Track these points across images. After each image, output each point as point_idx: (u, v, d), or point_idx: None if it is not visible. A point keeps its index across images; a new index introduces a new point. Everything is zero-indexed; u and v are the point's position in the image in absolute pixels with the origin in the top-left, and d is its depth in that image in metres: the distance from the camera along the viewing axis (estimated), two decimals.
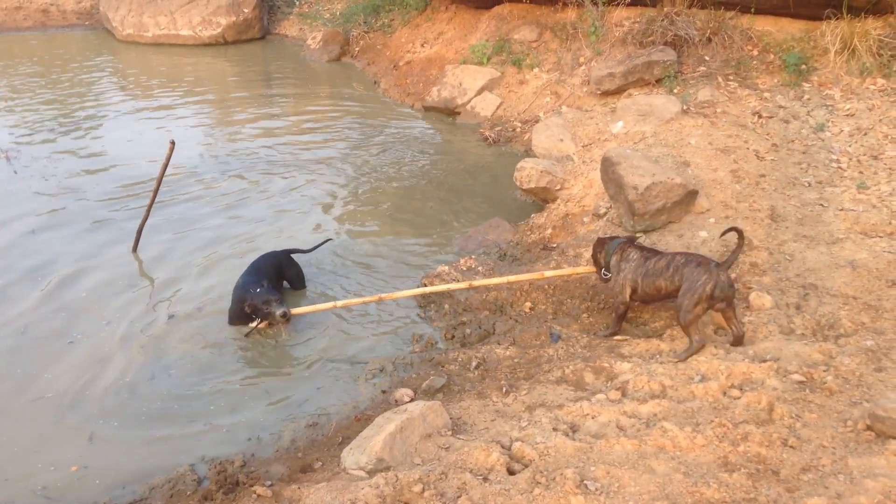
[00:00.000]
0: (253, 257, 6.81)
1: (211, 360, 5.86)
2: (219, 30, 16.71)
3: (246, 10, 16.83)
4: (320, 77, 14.38)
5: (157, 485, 4.52)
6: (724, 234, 5.83)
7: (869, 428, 4.05)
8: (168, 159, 7.08)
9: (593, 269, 5.99)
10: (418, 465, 4.18)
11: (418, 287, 6.67)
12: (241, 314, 6.14)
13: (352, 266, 7.24)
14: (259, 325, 6.10)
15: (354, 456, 4.31)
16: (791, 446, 4.03)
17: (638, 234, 6.71)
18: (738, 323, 5.21)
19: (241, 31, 16.93)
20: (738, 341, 5.21)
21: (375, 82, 13.69)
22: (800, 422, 4.25)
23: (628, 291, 5.55)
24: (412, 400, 5.09)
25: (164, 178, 7.25)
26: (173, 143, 7.03)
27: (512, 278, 6.04)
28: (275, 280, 6.47)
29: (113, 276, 6.99)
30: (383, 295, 6.17)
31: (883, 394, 4.38)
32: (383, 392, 5.39)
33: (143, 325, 6.27)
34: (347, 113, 12.13)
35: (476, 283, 6.05)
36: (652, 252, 5.56)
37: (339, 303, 6.15)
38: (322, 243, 7.14)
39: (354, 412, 5.19)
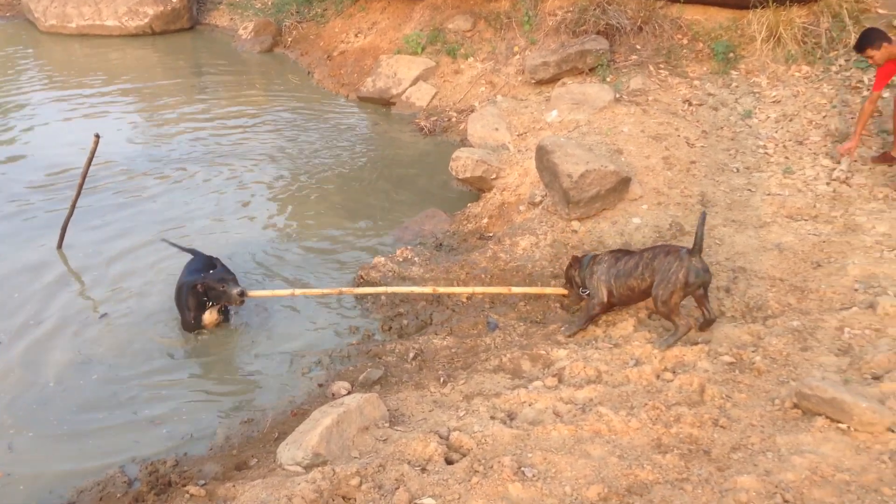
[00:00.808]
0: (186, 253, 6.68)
1: (144, 358, 5.72)
2: (146, 20, 16.23)
3: (174, 0, 16.42)
4: (253, 68, 14.13)
5: (86, 488, 4.40)
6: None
7: (796, 406, 4.16)
8: (93, 153, 6.86)
9: (563, 290, 5.80)
10: (356, 458, 4.13)
11: (355, 280, 6.64)
12: (192, 309, 5.84)
13: (287, 258, 7.14)
14: (211, 320, 5.88)
15: (290, 451, 4.24)
16: (722, 426, 4.11)
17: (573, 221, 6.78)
18: (709, 308, 5.15)
19: (170, 21, 16.47)
20: (707, 325, 5.19)
21: (309, 73, 13.51)
22: (730, 402, 4.34)
23: (604, 293, 5.39)
24: (349, 393, 5.05)
25: (89, 173, 7.02)
26: (98, 136, 6.81)
27: (479, 290, 5.93)
28: None
29: (39, 275, 6.75)
30: (344, 289, 6.09)
31: (809, 372, 4.50)
32: (320, 386, 5.33)
33: (73, 325, 6.08)
34: (281, 104, 11.94)
35: (440, 289, 5.95)
36: (623, 253, 5.44)
37: (298, 291, 6.00)
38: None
39: (291, 407, 5.12)
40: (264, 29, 15.21)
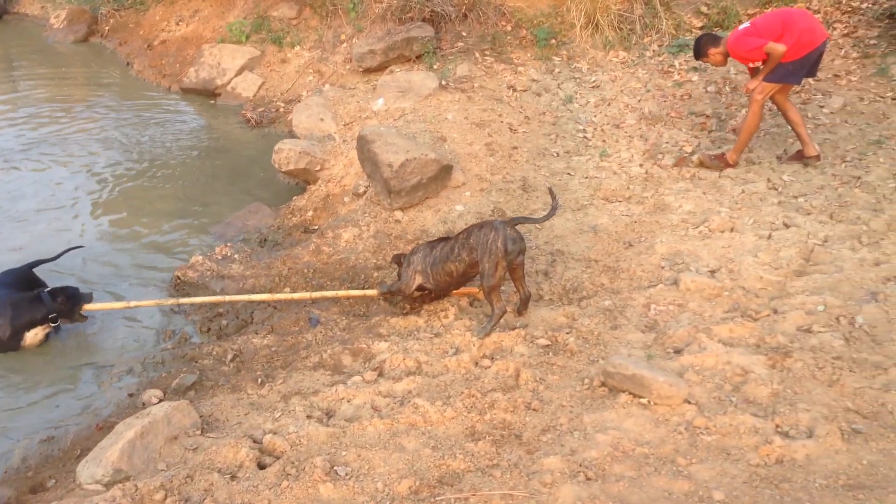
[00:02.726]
0: None
1: None
2: None
3: None
4: (67, 60, 13.21)
5: None
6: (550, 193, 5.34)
7: (603, 384, 4.26)
8: None
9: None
10: (162, 470, 3.90)
11: (172, 281, 6.33)
12: (11, 328, 5.36)
13: (101, 262, 6.67)
14: (35, 341, 5.45)
15: (90, 469, 3.95)
16: (534, 409, 4.16)
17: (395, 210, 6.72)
18: (525, 285, 5.16)
19: None
20: (525, 305, 5.21)
21: (129, 63, 12.77)
22: (543, 385, 4.40)
23: (415, 283, 5.34)
24: (161, 401, 4.77)
25: None
26: None
27: (316, 295, 5.72)
28: None
29: None
30: (182, 300, 5.76)
31: (617, 350, 4.64)
32: (130, 395, 5.01)
33: None
34: (98, 97, 11.22)
35: (278, 296, 5.78)
36: (438, 241, 5.38)
37: (132, 303, 5.66)
38: (67, 250, 6.33)
39: (96, 420, 4.78)
40: (78, 17, 14.27)
